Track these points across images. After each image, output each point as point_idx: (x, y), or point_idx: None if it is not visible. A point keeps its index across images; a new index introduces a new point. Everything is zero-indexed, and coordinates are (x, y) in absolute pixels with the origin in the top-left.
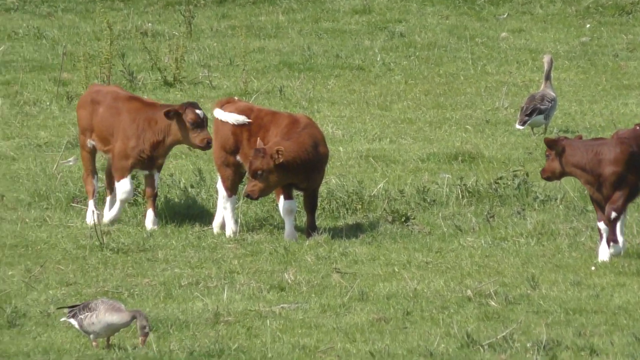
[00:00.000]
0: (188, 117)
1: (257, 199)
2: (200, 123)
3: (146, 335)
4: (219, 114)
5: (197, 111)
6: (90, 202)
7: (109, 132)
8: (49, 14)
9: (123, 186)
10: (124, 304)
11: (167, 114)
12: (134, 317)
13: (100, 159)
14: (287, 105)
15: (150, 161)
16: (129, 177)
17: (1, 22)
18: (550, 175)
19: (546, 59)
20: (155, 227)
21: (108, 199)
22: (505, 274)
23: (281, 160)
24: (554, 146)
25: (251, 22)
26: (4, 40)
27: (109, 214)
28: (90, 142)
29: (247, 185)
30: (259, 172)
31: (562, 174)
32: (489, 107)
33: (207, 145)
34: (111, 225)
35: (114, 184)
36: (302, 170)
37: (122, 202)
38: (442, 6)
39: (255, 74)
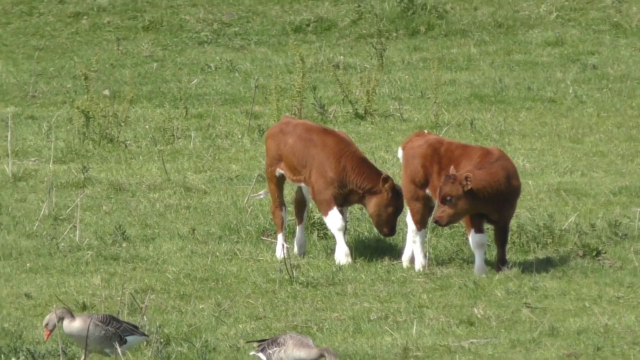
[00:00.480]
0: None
1: (445, 225)
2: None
3: None
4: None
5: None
6: (280, 236)
7: (299, 163)
8: (241, 47)
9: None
10: (312, 339)
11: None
12: (322, 355)
13: (288, 191)
14: (478, 138)
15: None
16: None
17: (195, 55)
18: None
19: None
20: (349, 260)
21: (298, 228)
22: None
23: (470, 187)
24: None
25: (443, 55)
26: (197, 73)
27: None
28: (278, 172)
29: (436, 212)
30: (448, 197)
31: None
32: None
33: (388, 235)
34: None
35: (303, 213)
36: (493, 201)
37: (340, 232)
38: (635, 38)
39: (446, 106)
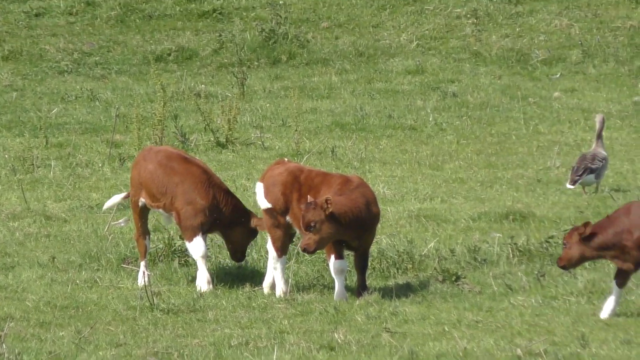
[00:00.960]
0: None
1: (313, 252)
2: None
3: None
4: (258, 188)
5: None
6: (142, 263)
7: (159, 190)
8: (102, 77)
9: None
10: None
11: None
12: None
13: (152, 220)
14: (339, 166)
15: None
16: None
17: (55, 84)
18: (566, 264)
19: (598, 118)
20: (210, 286)
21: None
22: (555, 333)
23: (331, 210)
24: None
25: (304, 83)
26: (57, 102)
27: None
28: (141, 201)
29: (302, 240)
30: (312, 223)
31: (581, 260)
32: (541, 166)
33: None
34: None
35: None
36: (354, 227)
37: (202, 260)
38: (495, 66)
39: (307, 134)
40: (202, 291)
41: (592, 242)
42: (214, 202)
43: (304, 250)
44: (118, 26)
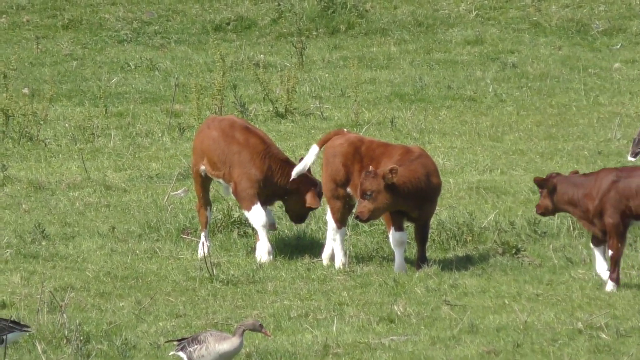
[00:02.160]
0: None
1: (366, 220)
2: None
3: (262, 327)
4: (311, 151)
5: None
6: (202, 234)
7: (219, 159)
8: (161, 46)
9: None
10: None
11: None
12: (241, 334)
13: (212, 190)
14: (398, 137)
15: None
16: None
17: (114, 54)
18: (544, 212)
19: None
20: (270, 257)
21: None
22: (616, 306)
23: (393, 180)
24: (544, 185)
25: (363, 53)
26: (116, 72)
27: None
28: (202, 169)
29: (357, 207)
30: (369, 192)
31: (555, 211)
32: (602, 138)
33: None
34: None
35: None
36: (413, 198)
37: (263, 229)
38: (555, 37)
39: (366, 105)
40: (262, 261)
41: (561, 196)
42: (268, 173)
43: (357, 217)
44: None
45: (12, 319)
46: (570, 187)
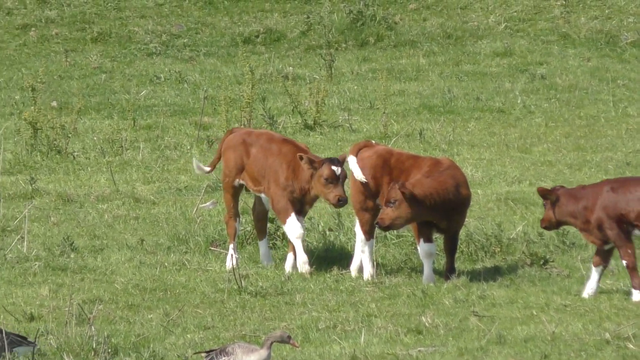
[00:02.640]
0: (324, 172)
1: (386, 228)
2: (335, 179)
3: (290, 338)
4: (352, 161)
5: (334, 167)
6: (231, 246)
7: (259, 173)
8: (190, 59)
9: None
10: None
11: (300, 158)
12: (269, 347)
13: (240, 202)
14: (427, 148)
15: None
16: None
17: (144, 66)
18: (548, 225)
19: None
20: (306, 267)
21: (260, 243)
22: None
23: (408, 192)
24: (548, 196)
25: (392, 65)
26: (146, 84)
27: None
28: (237, 182)
29: (380, 214)
30: (392, 200)
31: (559, 224)
32: (630, 149)
33: (337, 203)
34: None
35: (265, 226)
36: (441, 210)
37: (298, 240)
38: (584, 48)
39: (395, 117)
40: (301, 272)
41: (563, 208)
42: (292, 177)
43: (377, 224)
44: (206, 8)
45: (18, 333)
46: (571, 200)
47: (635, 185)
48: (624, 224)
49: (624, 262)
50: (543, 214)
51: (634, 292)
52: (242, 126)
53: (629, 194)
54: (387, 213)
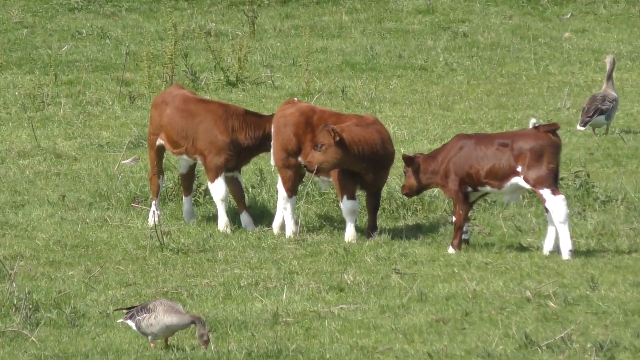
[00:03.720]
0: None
1: (313, 171)
2: None
3: (206, 342)
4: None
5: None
6: (154, 202)
7: (179, 134)
8: (112, 14)
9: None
10: (183, 305)
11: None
12: (192, 322)
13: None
14: (349, 106)
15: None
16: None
17: (65, 21)
18: (409, 192)
19: (608, 59)
20: (228, 230)
21: (185, 200)
22: (564, 275)
23: (338, 138)
24: (410, 163)
25: (314, 22)
26: (67, 40)
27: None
28: (159, 141)
29: (308, 157)
30: (320, 145)
31: (420, 189)
32: (551, 107)
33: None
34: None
35: (191, 184)
36: (367, 161)
37: (222, 202)
38: (506, 6)
39: (317, 74)
40: (222, 231)
41: (425, 171)
42: (233, 134)
43: (305, 166)
44: None
45: None
46: (431, 160)
47: (486, 142)
48: (467, 183)
49: (454, 218)
50: (404, 181)
51: (450, 248)
52: (166, 82)
53: (477, 152)
54: (315, 156)
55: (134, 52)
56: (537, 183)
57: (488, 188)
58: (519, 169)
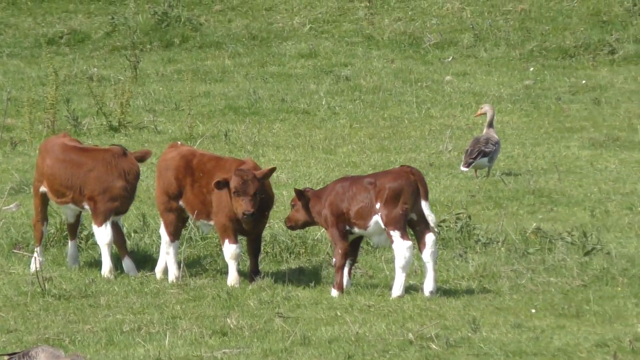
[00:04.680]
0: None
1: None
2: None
3: None
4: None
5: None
6: (37, 249)
7: (63, 184)
8: None
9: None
10: (64, 351)
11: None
12: None
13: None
14: (232, 150)
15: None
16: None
17: None
18: (293, 225)
19: (487, 108)
20: (111, 276)
21: (70, 244)
22: (446, 317)
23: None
24: (301, 197)
25: (197, 67)
26: None
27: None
28: (42, 189)
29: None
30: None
31: (305, 224)
32: (433, 150)
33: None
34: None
35: (76, 229)
36: None
37: (107, 247)
38: (388, 50)
39: (200, 118)
40: (105, 277)
41: (312, 208)
42: (127, 177)
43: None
44: (9, 8)
45: None
46: (316, 199)
47: (356, 184)
48: (343, 222)
49: (334, 260)
50: (290, 214)
51: (332, 290)
52: (48, 128)
53: (349, 192)
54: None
55: (15, 97)
56: (389, 223)
57: (356, 230)
58: (377, 206)
